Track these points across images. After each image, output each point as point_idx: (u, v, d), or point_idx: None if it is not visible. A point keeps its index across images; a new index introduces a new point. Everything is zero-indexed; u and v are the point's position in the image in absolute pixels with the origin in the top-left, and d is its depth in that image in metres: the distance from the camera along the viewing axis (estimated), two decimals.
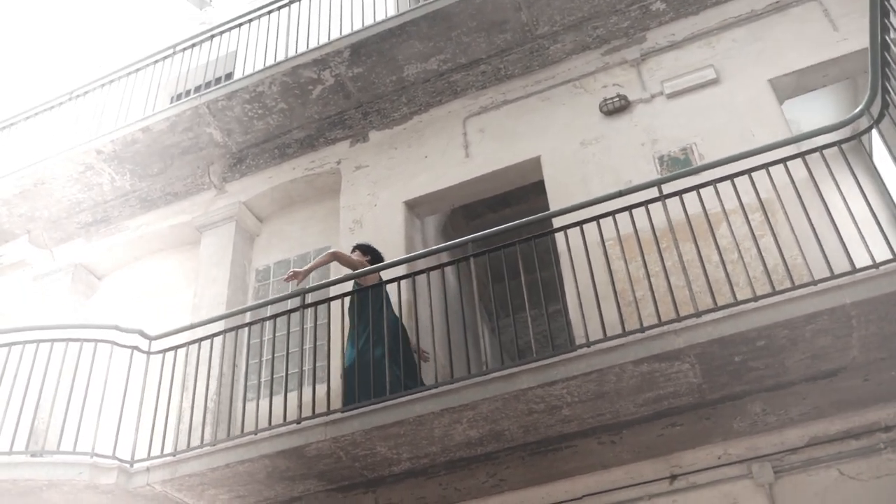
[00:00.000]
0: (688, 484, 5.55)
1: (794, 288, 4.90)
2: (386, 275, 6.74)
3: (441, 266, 6.18)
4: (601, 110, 7.54)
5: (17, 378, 6.56)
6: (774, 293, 4.90)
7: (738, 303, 4.97)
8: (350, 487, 6.15)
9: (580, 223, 5.72)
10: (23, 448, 6.64)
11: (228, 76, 10.45)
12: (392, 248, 7.55)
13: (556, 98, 7.91)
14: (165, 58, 9.75)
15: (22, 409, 6.39)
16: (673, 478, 5.61)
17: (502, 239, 6.13)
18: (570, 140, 7.53)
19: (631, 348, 5.01)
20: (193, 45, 9.82)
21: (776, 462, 5.41)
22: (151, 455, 6.17)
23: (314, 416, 5.79)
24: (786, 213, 5.34)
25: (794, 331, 4.80)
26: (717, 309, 5.01)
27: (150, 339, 6.79)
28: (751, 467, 5.43)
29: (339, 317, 6.51)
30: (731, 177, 5.43)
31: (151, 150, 8.94)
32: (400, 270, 6.79)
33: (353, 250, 7.12)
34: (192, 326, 6.86)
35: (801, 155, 5.36)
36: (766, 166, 5.37)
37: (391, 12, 9.09)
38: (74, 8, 12.88)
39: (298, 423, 5.78)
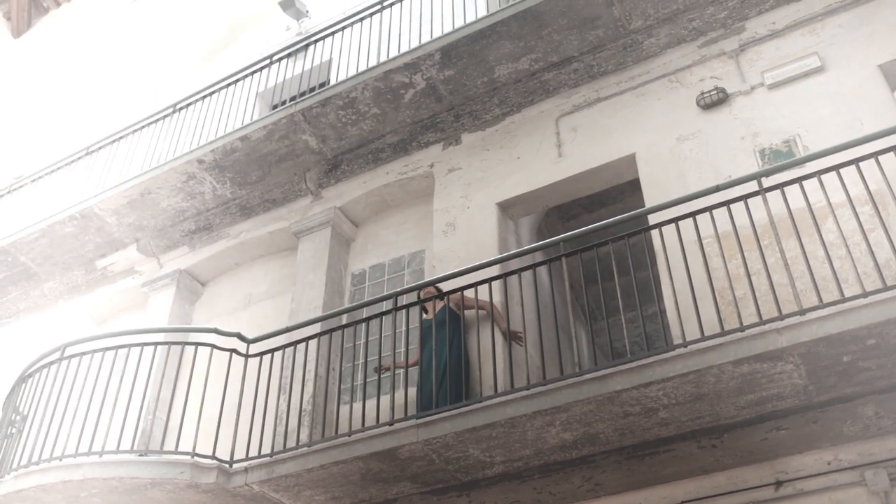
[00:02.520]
0: (795, 490, 5.28)
1: None
2: (477, 276, 6.65)
3: (532, 266, 6.08)
4: (698, 104, 7.30)
5: (123, 380, 6.81)
6: (885, 289, 4.61)
7: (845, 299, 4.69)
8: (443, 490, 6.12)
9: (675, 220, 5.54)
10: (129, 447, 6.86)
11: (323, 85, 10.60)
12: (485, 250, 7.50)
13: (650, 93, 7.71)
14: (262, 68, 9.98)
15: (128, 409, 6.60)
16: (779, 484, 5.34)
17: (595, 238, 5.99)
18: (666, 136, 7.32)
19: (730, 348, 4.81)
20: (289, 55, 10.03)
21: (892, 469, 5.08)
22: (250, 456, 6.28)
23: (406, 417, 5.78)
24: None
25: None
26: (822, 306, 4.75)
27: (248, 342, 6.92)
28: (864, 474, 5.11)
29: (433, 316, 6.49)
30: (836, 167, 5.15)
31: (250, 159, 9.15)
32: (493, 272, 6.71)
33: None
34: (288, 329, 6.96)
35: None
36: (874, 155, 5.07)
37: (482, 13, 9.03)
38: (176, 24, 13.33)
39: (391, 424, 5.78)
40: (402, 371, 6.62)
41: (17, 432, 7.10)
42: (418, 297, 6.74)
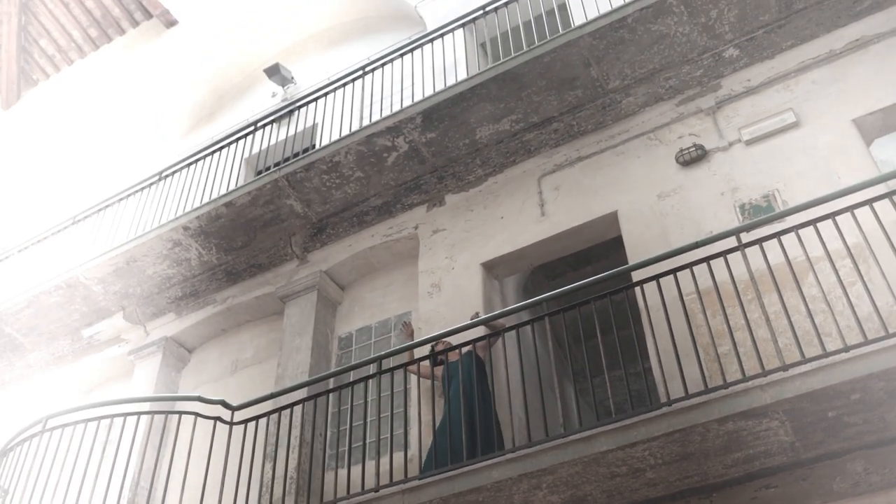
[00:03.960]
0: None
1: (888, 336, 4.59)
2: (463, 336, 6.63)
3: (517, 326, 6.06)
4: (678, 161, 7.37)
5: (107, 451, 6.71)
6: (867, 342, 4.61)
7: (827, 354, 4.69)
8: None
9: (656, 277, 5.55)
10: None
11: (308, 150, 10.68)
12: (471, 310, 7.47)
13: (630, 152, 7.79)
14: (247, 134, 10.06)
15: (110, 480, 6.47)
16: None
17: (578, 297, 5.98)
18: (646, 193, 7.37)
19: (714, 406, 4.78)
20: (274, 121, 10.13)
21: None
22: None
23: (392, 483, 5.70)
24: (876, 258, 5.04)
25: (891, 382, 4.48)
26: (805, 361, 4.74)
27: (233, 409, 6.83)
28: None
29: (416, 383, 6.44)
30: (813, 222, 5.18)
31: (235, 224, 9.16)
32: (479, 332, 6.69)
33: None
34: (273, 396, 6.89)
35: (889, 195, 5.07)
36: (850, 209, 5.11)
37: (462, 76, 9.16)
38: (163, 92, 13.49)
39: (376, 490, 5.69)
40: (385, 437, 6.54)
41: None
42: (432, 350, 6.69)
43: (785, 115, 7.08)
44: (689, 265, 5.47)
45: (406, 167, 8.64)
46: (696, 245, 5.58)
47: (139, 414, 6.71)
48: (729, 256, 5.44)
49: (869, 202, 5.07)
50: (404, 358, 6.86)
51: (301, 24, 13.11)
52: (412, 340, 7.31)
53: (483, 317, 6.60)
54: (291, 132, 10.55)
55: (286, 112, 10.12)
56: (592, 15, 8.19)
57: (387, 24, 12.24)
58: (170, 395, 9.13)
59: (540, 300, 6.05)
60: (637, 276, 6.08)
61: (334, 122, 9.79)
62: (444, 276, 8.07)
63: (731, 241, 5.60)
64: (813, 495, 5.14)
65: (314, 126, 10.25)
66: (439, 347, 6.77)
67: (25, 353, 10.68)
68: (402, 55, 9.22)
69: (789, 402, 4.62)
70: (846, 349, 4.66)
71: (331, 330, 8.88)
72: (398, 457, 6.41)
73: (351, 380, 6.67)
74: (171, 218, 9.62)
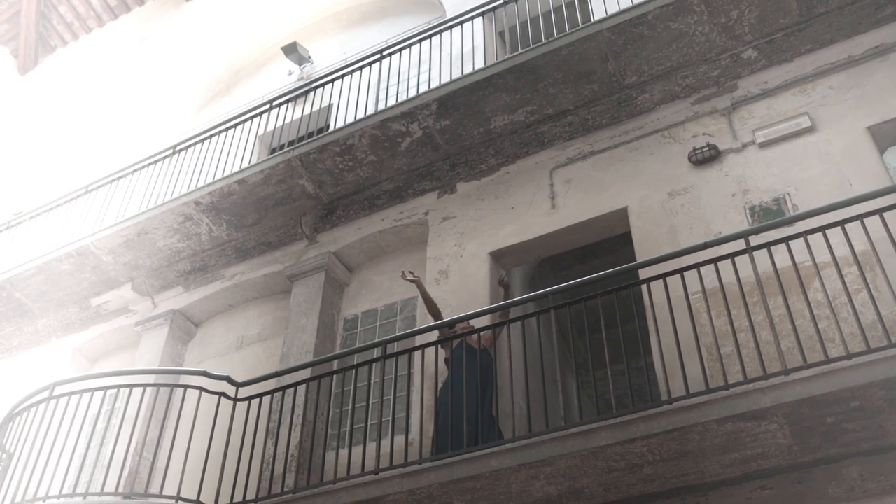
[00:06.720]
0: None
1: (891, 346, 4.63)
2: (479, 322, 6.70)
3: (522, 318, 6.11)
4: (690, 160, 7.38)
5: (112, 421, 6.79)
6: (869, 351, 4.65)
7: (829, 361, 4.73)
8: None
9: (663, 276, 5.59)
10: (114, 488, 6.81)
11: (323, 130, 10.72)
12: (477, 299, 7.54)
13: (644, 148, 7.80)
14: (262, 112, 10.08)
15: (114, 449, 6.57)
16: None
17: (584, 291, 6.03)
18: (658, 191, 7.39)
19: (714, 406, 4.83)
20: (290, 100, 10.15)
21: None
22: (234, 501, 6.23)
23: (391, 467, 5.77)
24: (882, 267, 5.06)
25: (891, 391, 4.53)
26: (806, 367, 4.78)
27: (238, 385, 6.91)
28: None
29: (420, 368, 6.50)
30: (821, 228, 5.21)
31: (247, 202, 9.21)
32: (484, 321, 6.76)
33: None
34: (278, 374, 6.97)
35: None
36: (860, 217, 5.13)
37: (479, 65, 9.17)
38: (180, 66, 13.52)
39: (376, 473, 5.76)
40: (387, 420, 6.61)
41: (3, 471, 7.06)
42: (451, 328, 6.71)
43: (800, 119, 7.09)
44: (697, 265, 5.51)
45: (419, 153, 8.67)
46: (705, 245, 5.62)
47: (145, 386, 6.79)
48: (736, 258, 5.47)
49: (879, 211, 5.09)
50: (410, 343, 6.91)
51: (320, 4, 13.11)
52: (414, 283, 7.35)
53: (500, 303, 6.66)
54: (306, 112, 10.58)
55: (302, 92, 10.14)
56: (613, 9, 8.20)
57: (406, 7, 12.24)
58: (176, 368, 9.21)
59: (546, 293, 6.10)
60: (644, 273, 6.12)
61: (350, 104, 9.80)
62: (451, 263, 8.12)
63: (739, 243, 5.63)
64: (808, 498, 5.20)
65: (329, 107, 10.27)
66: (461, 327, 6.75)
67: (34, 318, 10.76)
68: (420, 40, 9.23)
69: (789, 406, 4.67)
70: (848, 356, 4.70)
71: (337, 311, 8.94)
72: (399, 440, 6.47)
73: (355, 362, 6.75)
74: (183, 192, 9.67)
